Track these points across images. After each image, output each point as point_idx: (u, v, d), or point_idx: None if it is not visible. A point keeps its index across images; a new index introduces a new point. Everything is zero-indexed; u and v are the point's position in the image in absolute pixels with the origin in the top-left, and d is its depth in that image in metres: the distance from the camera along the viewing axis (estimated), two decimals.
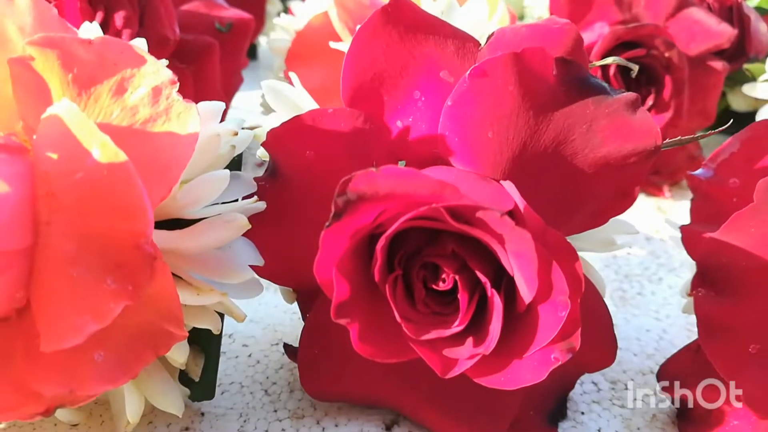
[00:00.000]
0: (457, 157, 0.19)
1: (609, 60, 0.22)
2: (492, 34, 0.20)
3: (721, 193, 0.23)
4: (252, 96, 0.48)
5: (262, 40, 0.56)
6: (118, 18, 0.29)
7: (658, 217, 0.34)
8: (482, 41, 0.21)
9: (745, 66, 0.38)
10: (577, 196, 0.20)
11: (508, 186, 0.17)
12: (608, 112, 0.18)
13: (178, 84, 0.16)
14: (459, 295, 0.16)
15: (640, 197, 0.36)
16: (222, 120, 0.36)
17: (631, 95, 0.19)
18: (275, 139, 0.20)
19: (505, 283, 0.17)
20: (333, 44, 0.23)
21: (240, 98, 0.48)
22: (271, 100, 0.21)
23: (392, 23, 0.19)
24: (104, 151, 0.15)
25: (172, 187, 0.16)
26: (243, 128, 0.20)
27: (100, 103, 0.17)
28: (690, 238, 0.22)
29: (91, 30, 0.19)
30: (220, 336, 0.19)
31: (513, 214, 0.16)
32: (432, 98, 0.19)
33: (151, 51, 0.29)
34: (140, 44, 0.18)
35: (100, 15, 0.29)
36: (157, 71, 0.16)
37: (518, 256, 0.15)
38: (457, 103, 0.18)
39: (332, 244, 0.15)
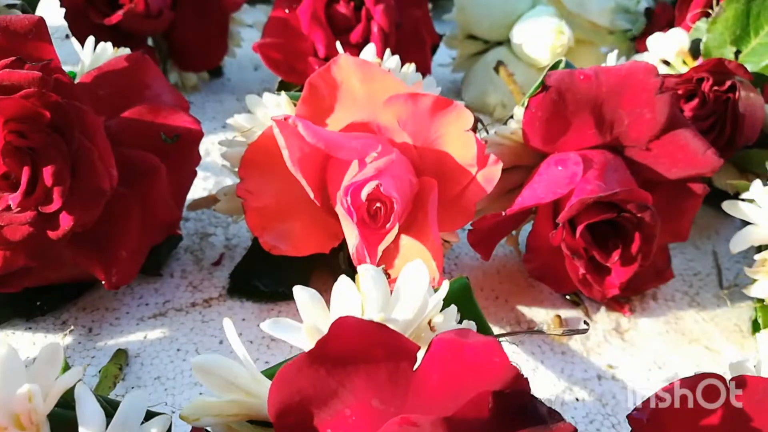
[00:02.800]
0: None
1: (558, 332, 0.21)
2: (431, 343, 0.18)
3: None
4: (214, 137, 0.45)
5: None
6: (47, 174, 0.26)
7: (615, 342, 0.34)
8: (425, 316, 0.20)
9: (728, 181, 0.36)
10: None
11: None
12: None
13: None
14: None
15: (600, 314, 0.35)
16: (176, 229, 0.34)
17: (568, 427, 0.18)
18: None
19: None
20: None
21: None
22: (202, 379, 0.20)
23: (319, 362, 0.17)
24: None
25: None
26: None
27: None
28: None
29: None
30: None
31: None
32: (363, 420, 0.18)
33: (84, 205, 0.27)
34: None
35: (26, 171, 0.26)
36: None
37: None
38: None
39: None
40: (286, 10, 0.44)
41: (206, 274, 0.36)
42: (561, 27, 0.44)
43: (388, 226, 0.28)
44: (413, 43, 0.45)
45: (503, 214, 0.30)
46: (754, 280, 0.34)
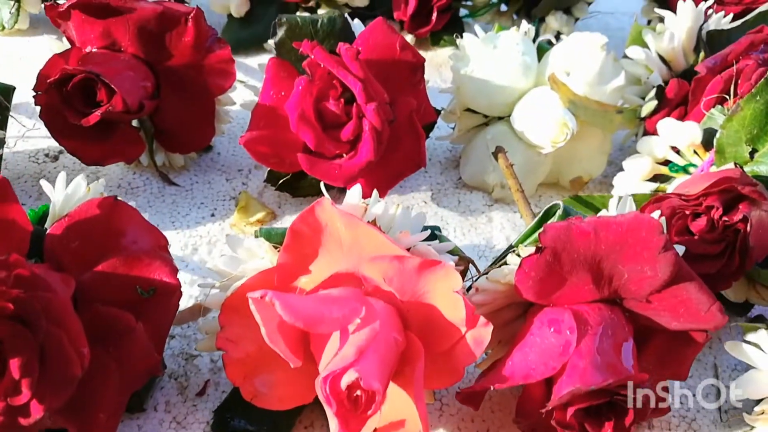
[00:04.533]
0: None
1: None
2: None
3: None
4: (203, 228, 0.44)
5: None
6: (14, 366, 0.25)
7: None
8: None
9: (736, 323, 0.34)
10: None
11: None
12: None
13: None
14: None
15: None
16: (157, 372, 0.33)
17: None
18: None
19: None
20: None
21: (187, 215, 0.44)
22: None
23: None
24: None
25: None
26: None
27: None
28: None
29: None
30: None
31: None
32: None
33: (54, 392, 0.27)
34: None
35: None
36: None
37: None
38: None
39: None
40: (274, 97, 0.42)
41: (190, 407, 0.35)
42: (565, 120, 0.42)
43: (369, 412, 0.27)
44: (408, 134, 0.42)
45: (492, 388, 0.29)
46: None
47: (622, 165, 0.52)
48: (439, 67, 0.60)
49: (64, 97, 0.39)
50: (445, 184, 0.49)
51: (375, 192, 0.32)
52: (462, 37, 0.59)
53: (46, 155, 0.47)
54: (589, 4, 0.61)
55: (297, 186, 0.45)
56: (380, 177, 0.42)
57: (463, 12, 0.61)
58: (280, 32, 0.43)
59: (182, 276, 0.41)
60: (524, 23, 0.46)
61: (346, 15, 0.44)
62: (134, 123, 0.45)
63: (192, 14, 0.42)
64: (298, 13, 0.58)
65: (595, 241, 0.29)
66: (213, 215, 0.45)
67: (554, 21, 0.60)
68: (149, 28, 0.42)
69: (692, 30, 0.47)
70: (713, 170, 0.41)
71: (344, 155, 0.42)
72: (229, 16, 0.59)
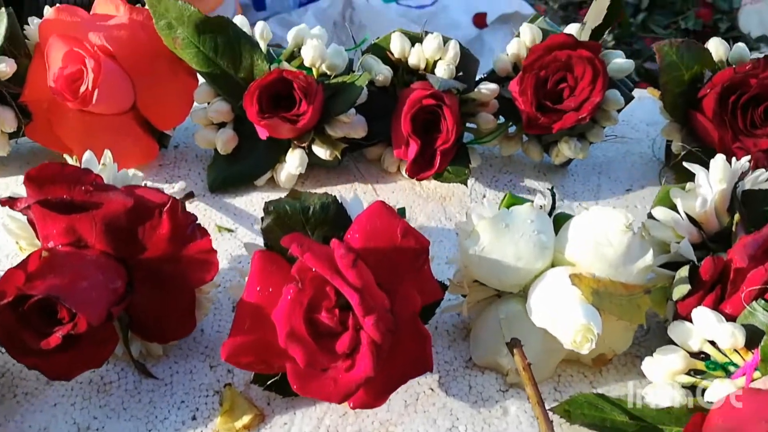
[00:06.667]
0: None
1: None
2: None
3: None
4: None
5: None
6: None
7: None
8: None
9: None
10: None
11: None
12: None
13: None
14: None
15: None
16: None
17: None
18: None
19: None
20: None
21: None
22: None
23: None
24: None
25: None
26: None
27: None
28: None
29: None
30: None
31: None
32: None
33: None
34: None
35: None
36: None
37: None
38: None
39: None
40: (260, 295, 0.37)
41: None
42: (589, 326, 0.37)
43: None
44: (411, 337, 0.37)
45: None
46: None
47: (646, 331, 0.47)
48: (442, 200, 0.55)
49: (20, 318, 0.35)
50: (454, 362, 0.44)
51: None
52: (469, 169, 0.55)
53: None
54: (604, 127, 0.56)
55: (287, 386, 0.40)
56: (381, 385, 0.38)
57: (467, 136, 0.56)
58: (267, 220, 0.38)
59: None
60: (539, 196, 0.41)
61: (340, 198, 0.39)
62: None
63: (167, 206, 0.37)
64: (290, 150, 0.53)
65: None
66: (194, 418, 0.40)
67: (567, 149, 0.55)
68: (118, 224, 0.37)
69: (726, 191, 0.43)
70: (757, 378, 0.36)
71: (340, 360, 0.37)
72: (216, 151, 0.54)
